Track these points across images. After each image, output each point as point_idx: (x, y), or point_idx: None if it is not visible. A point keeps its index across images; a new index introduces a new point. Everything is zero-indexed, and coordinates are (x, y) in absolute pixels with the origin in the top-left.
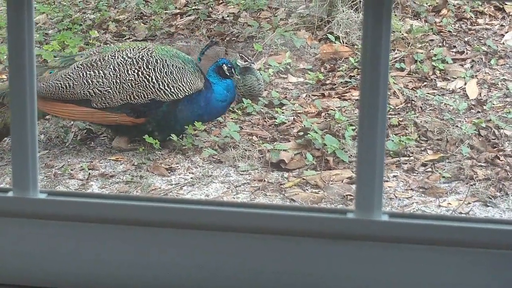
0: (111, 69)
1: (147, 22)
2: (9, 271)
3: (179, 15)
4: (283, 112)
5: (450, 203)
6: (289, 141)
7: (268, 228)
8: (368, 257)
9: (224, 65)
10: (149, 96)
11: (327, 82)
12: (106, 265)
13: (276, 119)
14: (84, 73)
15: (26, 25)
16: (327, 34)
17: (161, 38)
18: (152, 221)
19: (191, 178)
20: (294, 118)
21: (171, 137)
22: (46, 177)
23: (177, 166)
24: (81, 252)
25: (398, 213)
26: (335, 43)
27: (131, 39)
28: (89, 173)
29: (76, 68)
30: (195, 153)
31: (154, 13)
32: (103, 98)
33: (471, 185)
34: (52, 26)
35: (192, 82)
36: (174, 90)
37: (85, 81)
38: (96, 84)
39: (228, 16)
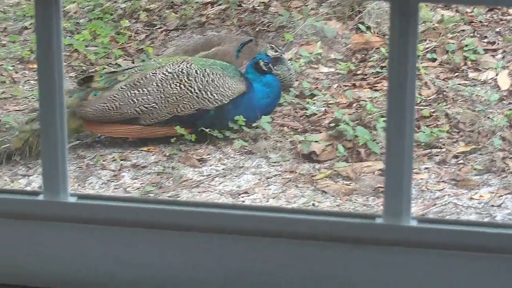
0: (154, 85)
1: (178, 11)
2: (39, 274)
3: (210, 4)
4: (314, 103)
5: (482, 196)
6: (320, 132)
7: (296, 233)
8: (396, 263)
9: (261, 60)
10: (195, 107)
11: (358, 72)
12: (135, 268)
13: (307, 110)
14: (129, 93)
15: (54, 25)
16: (358, 24)
17: (192, 28)
18: (183, 224)
19: (223, 169)
20: (325, 109)
21: (202, 129)
22: (79, 167)
23: (209, 157)
24: (111, 255)
25: (426, 218)
26: (366, 33)
27: (162, 29)
28: (121, 164)
29: (120, 89)
30: (226, 144)
31: (185, 2)
32: (151, 115)
33: (503, 178)
34: (83, 15)
35: (234, 85)
36: (218, 96)
37: (130, 101)
38: (142, 101)
39: (258, 6)
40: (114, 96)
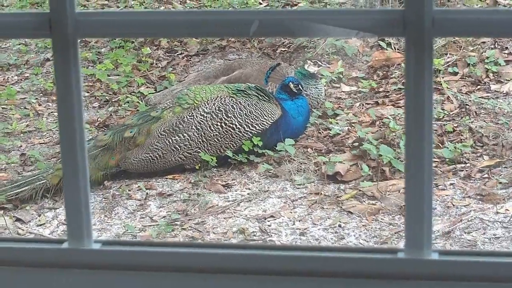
0: (194, 129)
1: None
2: None
3: None
4: (337, 123)
5: (507, 209)
6: (344, 152)
7: (316, 271)
8: None
9: (290, 83)
10: (237, 144)
11: (381, 89)
12: None
13: (330, 130)
14: (170, 140)
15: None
16: (378, 41)
17: (213, 52)
18: (213, 267)
19: (248, 194)
20: (348, 129)
21: (227, 154)
22: (105, 198)
23: (234, 182)
24: None
25: (448, 251)
26: (386, 49)
27: (183, 55)
28: (147, 193)
29: (160, 136)
30: (250, 168)
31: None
32: (195, 159)
33: None
34: (105, 44)
35: (271, 110)
36: (260, 126)
37: (173, 148)
38: (184, 148)
39: None
40: (156, 145)
